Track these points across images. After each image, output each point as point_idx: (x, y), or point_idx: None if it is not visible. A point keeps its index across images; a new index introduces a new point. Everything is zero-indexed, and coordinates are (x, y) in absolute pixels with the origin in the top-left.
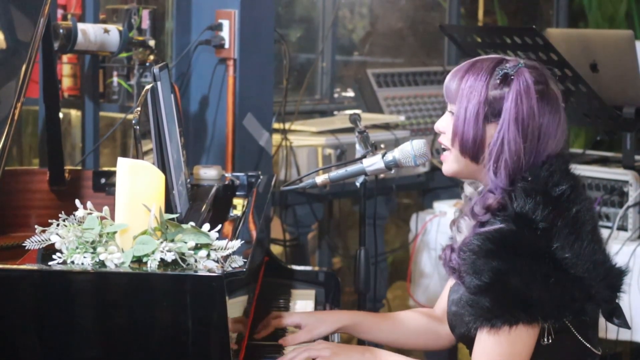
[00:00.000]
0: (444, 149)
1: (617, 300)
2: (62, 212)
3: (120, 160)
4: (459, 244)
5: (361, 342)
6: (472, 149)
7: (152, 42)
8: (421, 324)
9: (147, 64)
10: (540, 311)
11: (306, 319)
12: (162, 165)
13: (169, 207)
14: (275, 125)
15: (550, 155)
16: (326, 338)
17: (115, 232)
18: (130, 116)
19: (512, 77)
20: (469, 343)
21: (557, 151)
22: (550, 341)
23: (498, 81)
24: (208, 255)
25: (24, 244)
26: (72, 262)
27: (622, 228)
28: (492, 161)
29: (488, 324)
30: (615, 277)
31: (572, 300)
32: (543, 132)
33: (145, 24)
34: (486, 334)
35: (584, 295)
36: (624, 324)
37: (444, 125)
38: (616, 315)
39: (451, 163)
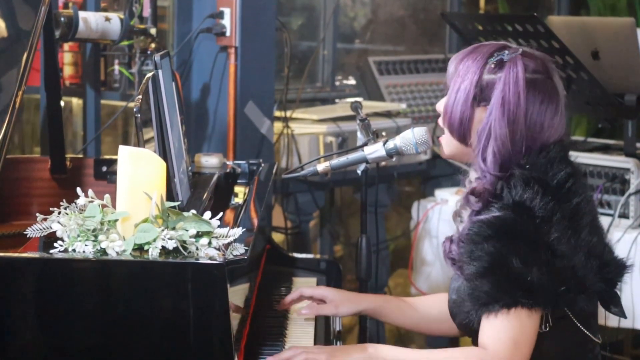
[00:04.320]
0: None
1: (615, 290)
2: (64, 200)
3: (122, 148)
4: (458, 235)
5: (362, 340)
6: (459, 129)
7: (153, 30)
8: (443, 311)
9: (149, 52)
10: (539, 296)
11: (332, 295)
12: (164, 153)
13: (170, 195)
14: (277, 113)
15: (546, 144)
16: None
17: (116, 220)
18: (131, 104)
19: (505, 63)
20: (469, 332)
21: (553, 140)
22: (548, 329)
23: (493, 66)
24: (209, 243)
25: (25, 232)
26: (74, 250)
27: (624, 216)
28: (481, 146)
29: (487, 310)
30: (612, 271)
31: (566, 291)
32: (532, 120)
33: (147, 12)
34: (487, 320)
35: (578, 288)
36: (621, 312)
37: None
38: (614, 304)
39: (445, 145)
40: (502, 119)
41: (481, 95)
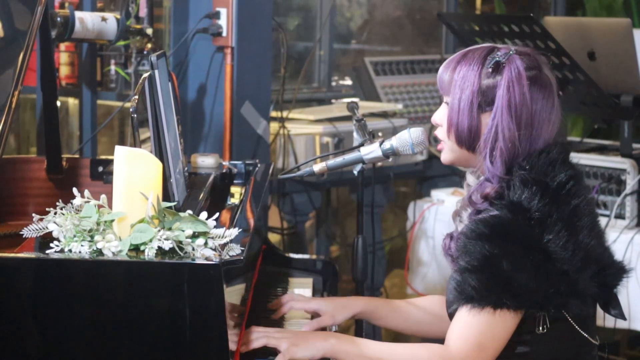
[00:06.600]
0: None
1: (614, 291)
2: (60, 201)
3: (118, 148)
4: (457, 233)
5: (359, 332)
6: (468, 139)
7: (149, 30)
8: (435, 312)
9: (145, 52)
10: (526, 299)
11: (325, 306)
12: (160, 153)
13: (167, 195)
14: (273, 114)
15: (548, 142)
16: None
17: (112, 221)
18: (127, 104)
19: (504, 65)
20: None
21: (552, 136)
22: (545, 330)
23: (490, 70)
24: (205, 244)
25: (21, 232)
26: (70, 251)
27: (620, 216)
28: (488, 150)
29: (470, 304)
30: (611, 275)
31: (557, 293)
32: (537, 118)
33: (143, 12)
34: (467, 311)
35: (569, 291)
36: (620, 314)
37: (441, 117)
38: (612, 306)
39: (448, 152)
40: (509, 120)
41: (484, 101)
